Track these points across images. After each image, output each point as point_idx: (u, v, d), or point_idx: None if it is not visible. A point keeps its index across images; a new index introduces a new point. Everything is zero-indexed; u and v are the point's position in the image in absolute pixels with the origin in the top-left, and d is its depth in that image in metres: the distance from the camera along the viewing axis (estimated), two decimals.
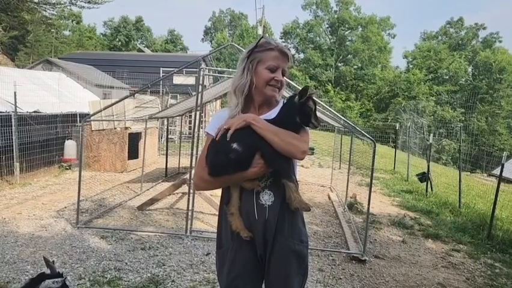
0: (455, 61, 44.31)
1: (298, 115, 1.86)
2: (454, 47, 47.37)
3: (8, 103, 8.26)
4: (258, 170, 1.85)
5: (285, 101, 1.99)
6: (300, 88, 1.97)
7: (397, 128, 16.29)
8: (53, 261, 2.55)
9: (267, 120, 1.92)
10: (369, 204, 5.29)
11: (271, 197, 1.91)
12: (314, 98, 1.93)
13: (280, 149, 1.81)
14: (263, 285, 2.03)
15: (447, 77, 45.33)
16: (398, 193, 9.52)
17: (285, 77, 2.00)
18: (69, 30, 42.20)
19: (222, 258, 2.01)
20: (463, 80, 45.34)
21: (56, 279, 2.36)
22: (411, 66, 47.72)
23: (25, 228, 5.49)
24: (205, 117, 14.93)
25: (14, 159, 8.14)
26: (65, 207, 6.59)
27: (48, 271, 2.44)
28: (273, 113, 1.97)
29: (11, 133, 8.01)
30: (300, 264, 1.96)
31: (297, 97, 1.91)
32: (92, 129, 9.95)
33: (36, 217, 6.02)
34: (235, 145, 1.82)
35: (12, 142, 8.05)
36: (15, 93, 8.02)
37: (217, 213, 6.31)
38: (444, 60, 44.81)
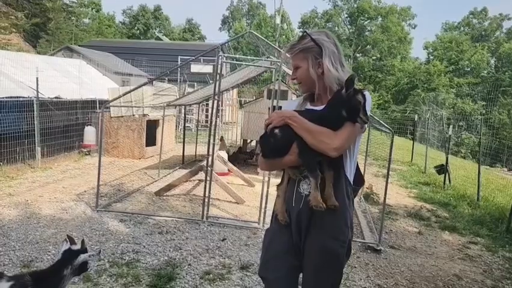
0: (477, 53, 43.31)
1: (346, 109, 1.81)
2: (476, 38, 46.28)
3: (31, 88, 8.43)
4: (293, 158, 1.91)
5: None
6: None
7: (416, 119, 16.07)
8: (83, 239, 2.64)
9: (314, 111, 1.95)
10: (385, 194, 5.27)
11: (309, 187, 1.92)
12: (364, 92, 1.84)
13: (312, 146, 1.84)
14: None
15: (468, 69, 44.38)
16: (415, 185, 9.44)
17: (300, 70, 2.00)
18: (89, 18, 42.58)
19: (266, 235, 2.13)
20: (485, 72, 44.30)
21: (91, 253, 2.46)
22: (431, 57, 46.87)
23: (47, 210, 5.64)
24: (222, 105, 14.98)
25: (36, 144, 8.33)
26: (85, 191, 6.74)
27: (75, 247, 2.53)
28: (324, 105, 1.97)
29: (33, 118, 8.18)
30: (331, 261, 1.94)
31: (343, 90, 1.84)
32: (111, 115, 10.09)
33: (57, 200, 6.17)
34: (276, 131, 1.91)
35: (34, 127, 8.23)
36: (37, 79, 8.17)
37: (233, 200, 6.37)
38: (466, 51, 43.84)
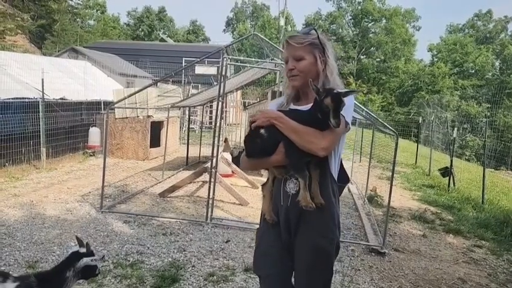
0: (481, 55, 43.10)
1: (319, 112, 1.86)
2: (481, 40, 46.07)
3: (36, 90, 8.48)
4: (279, 158, 1.92)
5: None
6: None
7: (420, 122, 16.04)
8: (87, 242, 2.64)
9: (302, 111, 1.98)
10: (390, 197, 5.26)
11: (296, 185, 1.95)
12: (340, 96, 1.82)
13: (300, 146, 1.85)
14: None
15: (473, 71, 44.17)
16: (419, 187, 9.41)
17: (304, 62, 1.97)
18: (93, 20, 42.81)
19: (257, 234, 2.17)
20: (490, 74, 44.08)
21: (94, 257, 2.46)
22: (435, 59, 46.65)
23: (51, 211, 5.67)
24: (226, 107, 14.99)
25: (41, 145, 8.37)
26: (90, 192, 6.77)
27: (82, 250, 2.54)
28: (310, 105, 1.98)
29: (39, 119, 8.23)
30: (322, 259, 1.97)
31: (317, 93, 1.87)
32: (116, 117, 10.12)
33: (62, 201, 6.21)
34: (262, 131, 1.92)
35: (39, 128, 8.28)
36: (42, 80, 8.22)
37: (236, 202, 6.37)
38: (470, 53, 43.63)
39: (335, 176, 2.02)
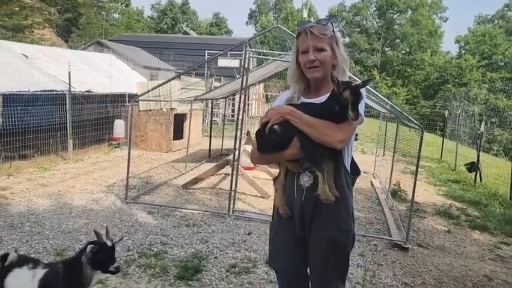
0: None
1: (337, 105, 1.84)
2: (511, 32, 44.53)
3: (63, 82, 8.67)
4: (294, 152, 1.92)
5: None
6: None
7: (446, 115, 15.68)
8: (97, 231, 2.65)
9: (315, 104, 1.96)
10: (414, 191, 5.17)
11: (310, 179, 1.95)
12: (358, 89, 1.81)
13: (316, 139, 1.84)
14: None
15: (502, 64, 42.79)
16: (444, 182, 9.23)
17: (325, 53, 1.93)
18: (118, 13, 43.38)
19: (271, 228, 2.18)
20: None
21: (92, 245, 2.50)
22: (463, 51, 45.42)
23: (78, 201, 5.82)
24: (248, 100, 15.01)
25: (68, 136, 8.58)
26: (115, 183, 6.91)
27: (101, 239, 2.60)
28: (324, 97, 1.96)
29: (66, 111, 8.43)
30: (336, 251, 1.97)
31: (336, 86, 1.84)
32: (140, 109, 10.27)
33: (88, 191, 6.36)
34: (276, 126, 1.91)
35: (66, 120, 8.48)
36: (69, 73, 8.39)
37: (258, 194, 6.38)
38: (500, 45, 42.24)
39: (348, 168, 2.02)
